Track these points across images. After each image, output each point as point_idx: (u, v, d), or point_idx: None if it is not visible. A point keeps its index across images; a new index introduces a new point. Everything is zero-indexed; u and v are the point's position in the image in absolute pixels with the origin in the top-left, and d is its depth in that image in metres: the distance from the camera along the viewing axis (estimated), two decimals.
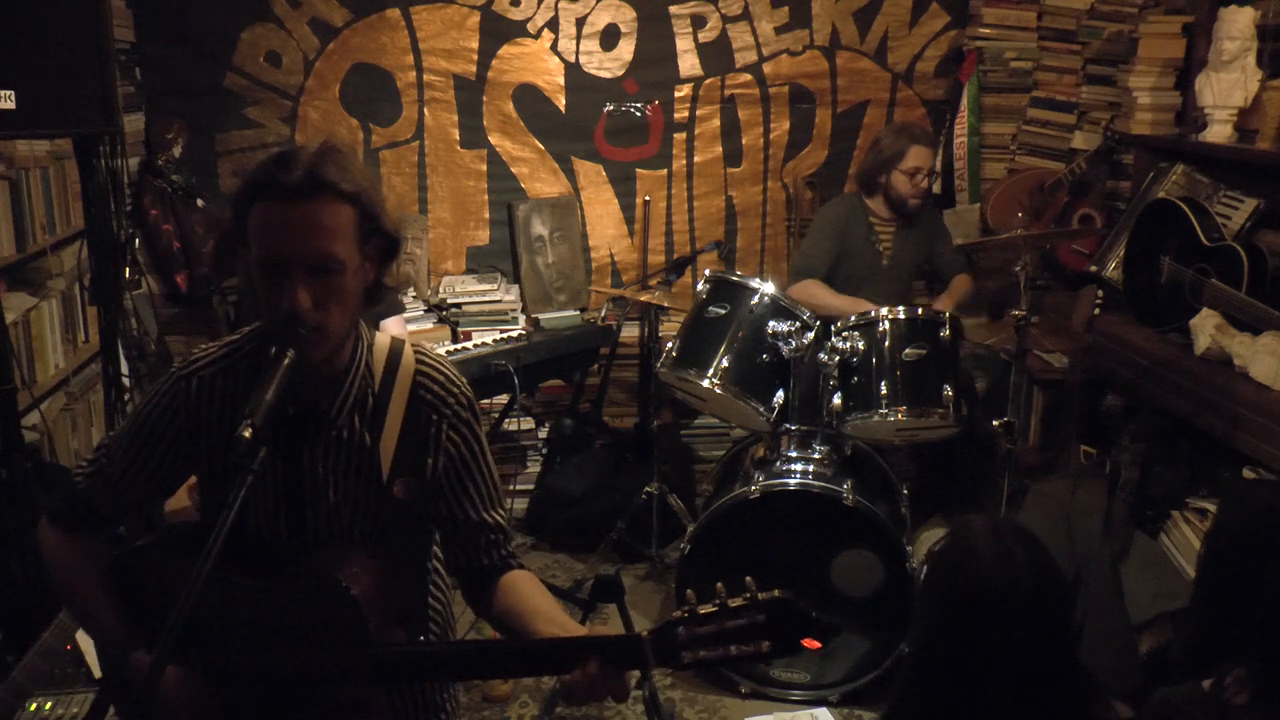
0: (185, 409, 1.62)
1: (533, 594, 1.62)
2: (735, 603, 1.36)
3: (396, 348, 1.67)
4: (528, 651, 1.49)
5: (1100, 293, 3.38)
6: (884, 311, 3.36)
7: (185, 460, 1.65)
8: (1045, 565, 1.56)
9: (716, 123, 4.64)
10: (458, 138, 4.55)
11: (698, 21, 4.53)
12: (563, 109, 4.57)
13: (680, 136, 4.64)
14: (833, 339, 3.35)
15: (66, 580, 1.67)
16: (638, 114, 4.60)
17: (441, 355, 1.73)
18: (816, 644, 1.35)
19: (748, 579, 1.39)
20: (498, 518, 1.69)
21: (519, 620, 1.57)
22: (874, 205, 3.98)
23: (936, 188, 4.57)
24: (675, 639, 1.36)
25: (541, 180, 4.63)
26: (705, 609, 1.37)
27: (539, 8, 4.46)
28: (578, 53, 4.52)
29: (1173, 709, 1.56)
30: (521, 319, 4.44)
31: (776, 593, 1.36)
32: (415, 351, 1.68)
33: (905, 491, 3.51)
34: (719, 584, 1.41)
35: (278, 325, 1.49)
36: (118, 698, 1.70)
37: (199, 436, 1.63)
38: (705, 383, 3.30)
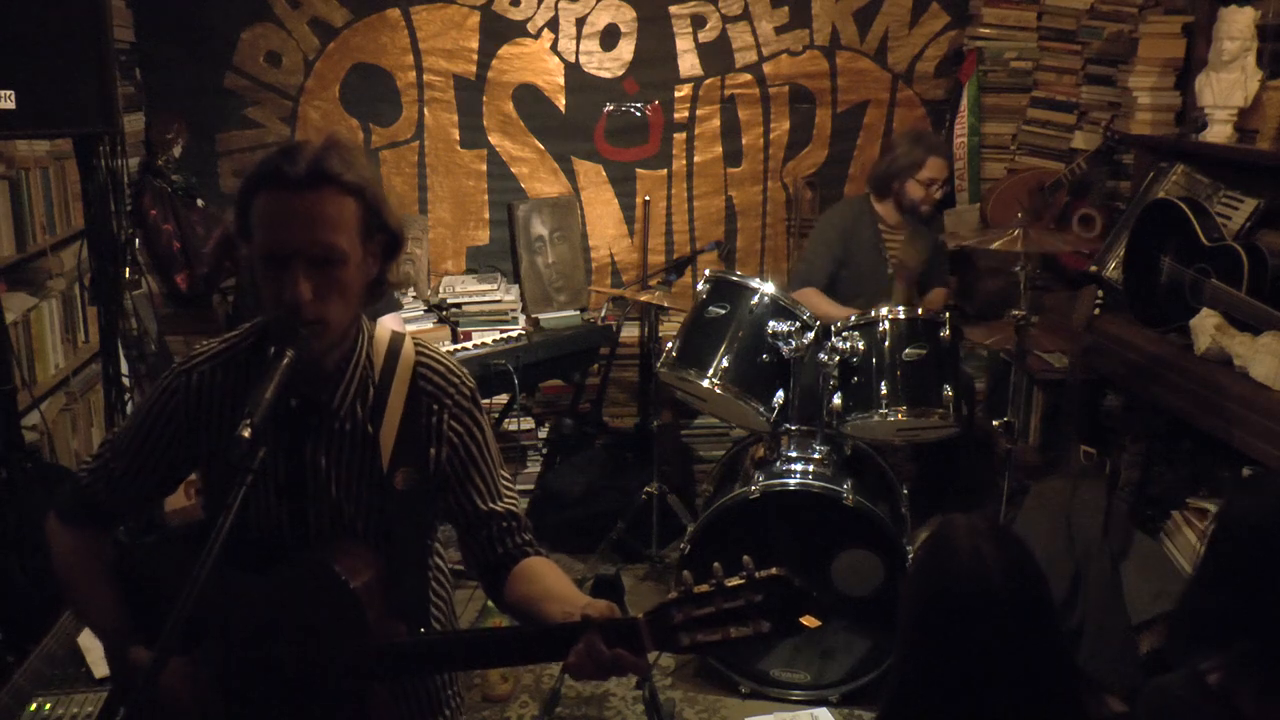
0: (186, 404, 1.63)
1: (544, 578, 1.59)
2: (732, 582, 1.32)
3: (396, 340, 1.68)
4: (519, 639, 1.47)
5: (1100, 293, 3.38)
6: (884, 312, 3.36)
7: (187, 455, 1.66)
8: (1021, 567, 1.54)
9: (716, 123, 4.64)
10: (458, 138, 4.55)
11: (698, 21, 4.53)
12: (563, 109, 4.57)
13: (680, 136, 4.63)
14: (833, 339, 3.35)
15: (69, 575, 1.69)
16: (638, 114, 4.60)
17: (443, 350, 1.73)
18: (816, 621, 1.31)
19: (745, 558, 1.34)
20: (508, 506, 1.67)
21: (530, 607, 1.55)
22: (883, 210, 3.97)
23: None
24: (671, 621, 1.33)
25: (541, 180, 4.63)
26: (701, 589, 1.32)
27: (539, 8, 4.46)
28: (578, 53, 4.52)
29: (1169, 696, 1.54)
30: (521, 319, 4.44)
31: (774, 570, 1.32)
32: (415, 344, 1.69)
33: (905, 491, 3.51)
34: (715, 564, 1.36)
35: (279, 321, 1.49)
36: (125, 695, 1.71)
37: (199, 431, 1.63)
38: (705, 383, 3.30)
